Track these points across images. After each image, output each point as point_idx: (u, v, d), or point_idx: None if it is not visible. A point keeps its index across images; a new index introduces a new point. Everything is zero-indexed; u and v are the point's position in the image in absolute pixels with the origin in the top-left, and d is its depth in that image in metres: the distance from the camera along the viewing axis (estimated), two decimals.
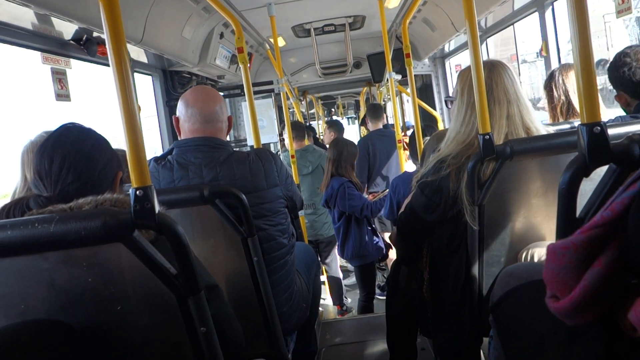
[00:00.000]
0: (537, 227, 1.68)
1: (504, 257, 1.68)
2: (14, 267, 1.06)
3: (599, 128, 1.12)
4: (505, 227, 1.68)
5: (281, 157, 4.77)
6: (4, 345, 0.95)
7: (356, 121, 15.46)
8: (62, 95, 2.57)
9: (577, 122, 1.99)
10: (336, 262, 4.63)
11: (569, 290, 0.79)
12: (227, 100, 6.25)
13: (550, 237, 1.66)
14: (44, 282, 1.07)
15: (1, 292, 1.08)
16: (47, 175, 1.25)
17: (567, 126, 2.16)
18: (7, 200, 1.62)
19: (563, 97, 2.30)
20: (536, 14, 3.45)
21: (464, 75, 1.82)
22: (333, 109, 15.36)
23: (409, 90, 3.78)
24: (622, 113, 2.18)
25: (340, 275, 4.72)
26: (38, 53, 2.45)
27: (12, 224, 1.02)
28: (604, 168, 1.12)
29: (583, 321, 0.81)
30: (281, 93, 4.18)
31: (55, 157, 1.25)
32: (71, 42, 2.60)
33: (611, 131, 1.16)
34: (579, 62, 1.12)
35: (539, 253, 1.61)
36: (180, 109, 1.97)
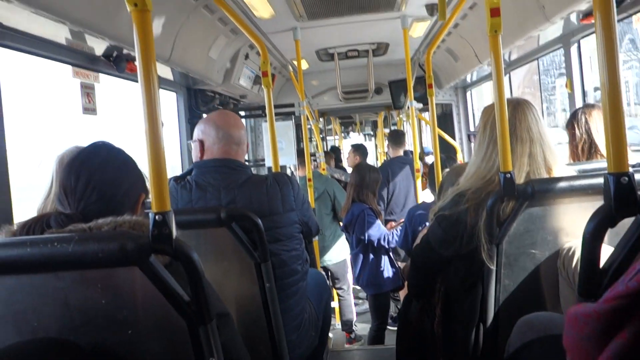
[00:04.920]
0: (558, 271, 1.63)
1: (521, 299, 1.64)
2: (31, 284, 1.06)
3: (626, 178, 1.09)
4: (524, 269, 1.64)
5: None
6: None
7: (373, 138, 15.39)
8: (89, 109, 2.61)
9: (598, 163, 1.97)
10: (348, 288, 4.58)
11: (591, 359, 0.76)
12: (248, 120, 6.29)
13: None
14: (59, 301, 1.07)
15: (16, 308, 1.08)
16: (72, 192, 1.27)
17: (588, 167, 2.13)
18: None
19: (585, 136, 2.28)
20: (561, 50, 3.44)
21: (488, 111, 1.81)
22: (351, 127, 15.35)
23: (429, 119, 3.77)
24: None
25: (352, 302, 4.66)
26: (69, 67, 2.51)
27: (31, 241, 1.02)
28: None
29: None
30: (302, 116, 4.19)
31: (81, 175, 1.27)
32: (101, 57, 2.65)
33: (638, 176, 1.14)
34: (607, 108, 1.10)
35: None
36: (209, 132, 1.97)
